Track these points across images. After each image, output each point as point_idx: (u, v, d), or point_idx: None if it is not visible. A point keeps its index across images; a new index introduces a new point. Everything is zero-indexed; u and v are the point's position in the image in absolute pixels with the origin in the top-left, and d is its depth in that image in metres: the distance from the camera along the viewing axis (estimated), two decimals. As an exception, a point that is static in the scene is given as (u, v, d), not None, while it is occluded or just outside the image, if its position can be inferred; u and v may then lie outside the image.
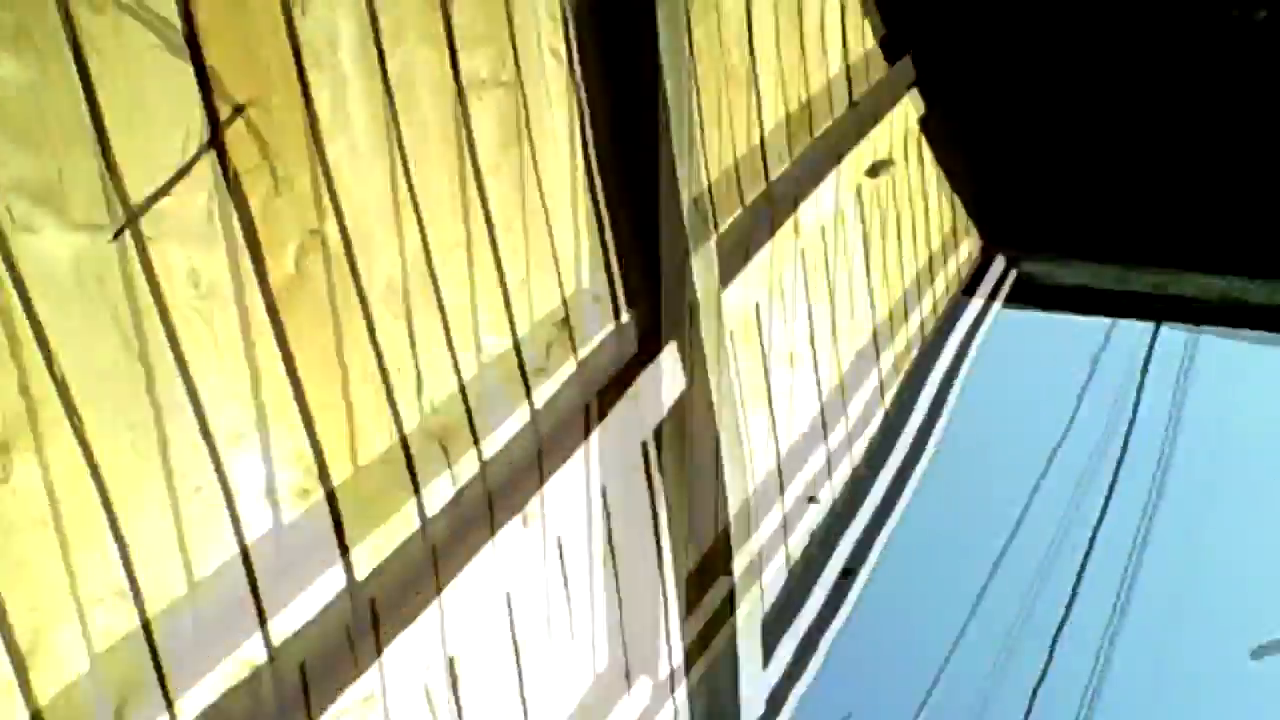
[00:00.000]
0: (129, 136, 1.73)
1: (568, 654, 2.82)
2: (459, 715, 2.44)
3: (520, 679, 2.64)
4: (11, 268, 1.59)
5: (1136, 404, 8.53)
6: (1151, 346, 8.65)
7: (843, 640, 4.00)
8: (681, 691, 3.36)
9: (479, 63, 2.41)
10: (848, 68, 4.16)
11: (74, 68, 1.64)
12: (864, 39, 4.29)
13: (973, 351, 5.08)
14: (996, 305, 5.35)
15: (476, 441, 2.45)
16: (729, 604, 3.32)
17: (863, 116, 4.26)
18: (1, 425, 1.58)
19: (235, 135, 1.89)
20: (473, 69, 2.39)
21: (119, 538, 1.73)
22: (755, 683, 3.53)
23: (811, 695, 3.84)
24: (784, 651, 3.73)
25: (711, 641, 3.37)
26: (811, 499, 4.06)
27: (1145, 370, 8.44)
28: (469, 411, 2.42)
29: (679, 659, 3.31)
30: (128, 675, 1.75)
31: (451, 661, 2.40)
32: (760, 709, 3.59)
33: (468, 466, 2.43)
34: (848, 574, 4.01)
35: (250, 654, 1.96)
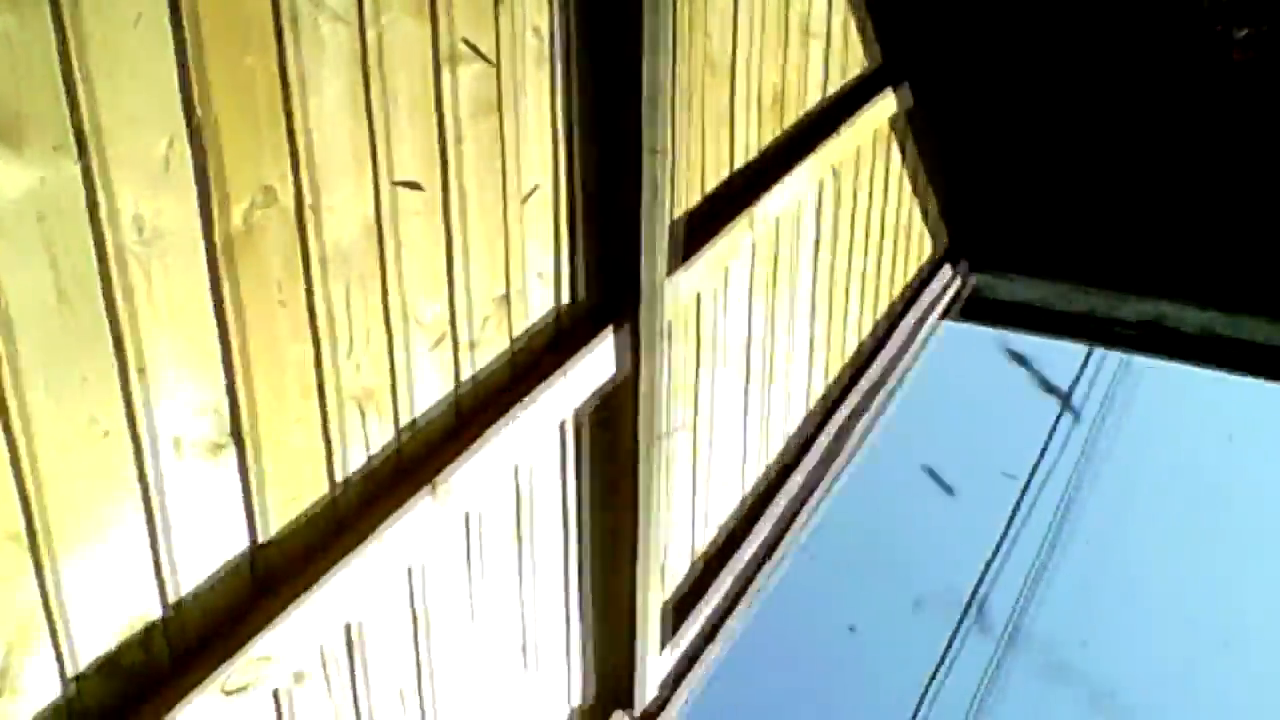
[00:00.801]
0: (99, 85, 1.71)
1: (470, 629, 2.85)
2: (353, 680, 2.47)
3: (419, 650, 2.66)
4: (-46, 199, 1.58)
5: (1055, 424, 8.73)
6: (1082, 369, 8.83)
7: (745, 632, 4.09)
8: (585, 671, 3.41)
9: (459, 35, 2.39)
10: (826, 60, 4.15)
11: (51, 18, 1.62)
12: (847, 30, 4.28)
13: (908, 358, 5.14)
14: (937, 315, 5.41)
15: (396, 409, 2.45)
16: (632, 587, 3.36)
17: (840, 108, 4.26)
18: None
19: (207, 87, 1.88)
20: (453, 41, 2.38)
21: (18, 477, 1.72)
22: (653, 666, 3.59)
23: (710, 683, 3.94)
24: (684, 637, 3.79)
25: (612, 623, 3.42)
26: None
27: (1071, 390, 8.63)
28: (393, 379, 2.42)
29: (579, 638, 3.36)
30: (17, 621, 1.75)
31: (350, 628, 2.42)
32: (654, 692, 3.66)
33: (384, 433, 2.43)
34: None
35: (147, 607, 1.97)
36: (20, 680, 1.77)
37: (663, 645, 3.64)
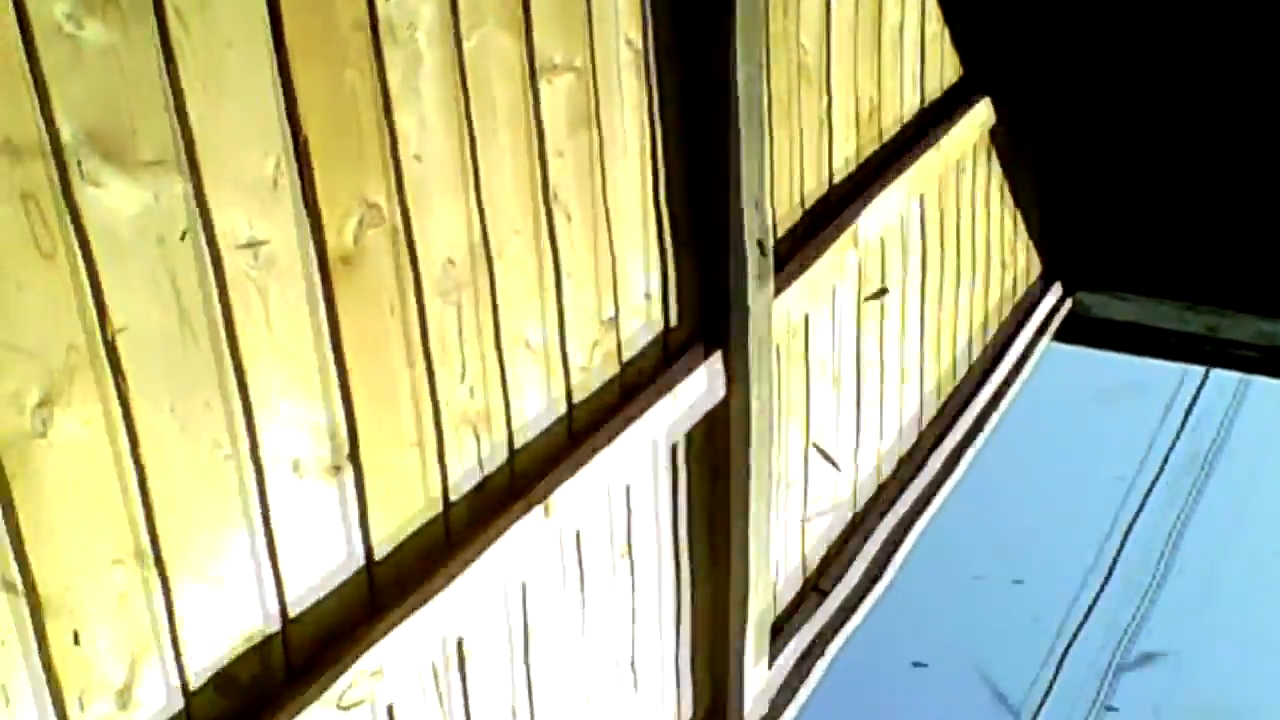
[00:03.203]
0: (204, 103, 1.74)
1: (577, 646, 2.83)
2: (465, 696, 2.46)
3: (528, 666, 2.65)
4: (76, 221, 1.61)
5: (1173, 446, 8.48)
6: (1199, 391, 8.58)
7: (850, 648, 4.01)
8: (687, 688, 3.37)
9: (553, 48, 2.40)
10: (922, 70, 4.11)
11: (157, 35, 1.65)
12: (942, 42, 4.24)
13: (1020, 380, 5.04)
14: (1047, 337, 5.30)
15: (510, 431, 2.45)
16: (740, 605, 3.32)
17: (934, 121, 4.20)
18: (48, 378, 1.60)
19: (308, 105, 1.90)
20: (546, 54, 2.39)
21: (145, 499, 1.75)
22: (758, 684, 3.53)
23: (814, 700, 3.86)
24: (790, 655, 3.73)
25: (717, 641, 3.38)
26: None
27: (1188, 414, 8.38)
28: (507, 402, 2.43)
29: (686, 656, 3.32)
30: (142, 634, 1.78)
31: (462, 643, 2.41)
32: (764, 709, 3.60)
33: (496, 454, 2.43)
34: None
35: (264, 621, 1.98)
36: (143, 694, 1.79)
37: (769, 663, 3.58)
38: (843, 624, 3.90)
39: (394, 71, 2.03)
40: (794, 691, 3.70)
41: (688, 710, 3.41)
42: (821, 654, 3.81)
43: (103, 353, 1.67)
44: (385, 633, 2.15)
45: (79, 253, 1.62)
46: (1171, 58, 5.36)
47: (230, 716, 1.94)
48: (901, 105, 3.98)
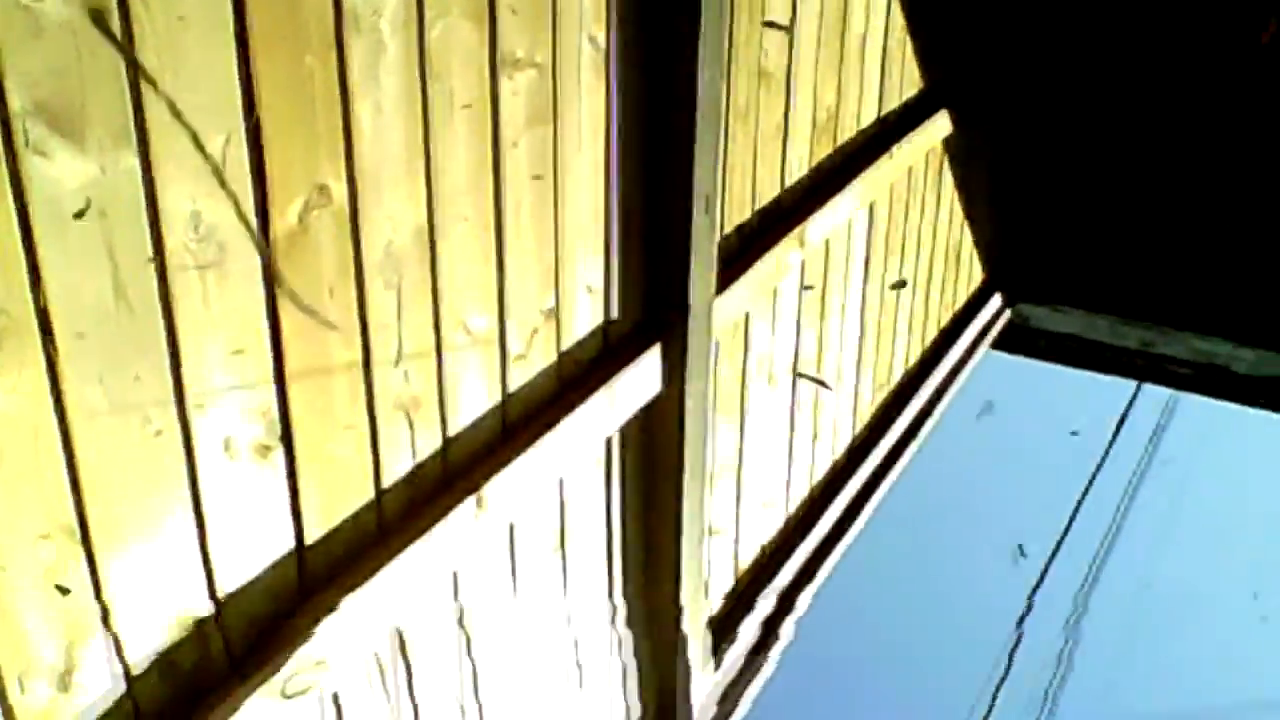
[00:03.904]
0: (160, 79, 1.71)
1: (519, 641, 2.83)
2: (410, 687, 2.45)
3: (472, 660, 2.65)
4: (17, 188, 1.58)
5: (1103, 460, 8.59)
6: (1130, 405, 8.69)
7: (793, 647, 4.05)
8: (633, 685, 3.38)
9: (516, 42, 2.39)
10: (883, 79, 4.14)
11: (117, 10, 1.63)
12: (905, 53, 4.26)
13: (955, 387, 5.10)
14: (985, 345, 5.37)
15: (444, 418, 2.44)
16: (675, 603, 3.33)
17: (892, 131, 4.24)
18: (-23, 344, 1.57)
19: (264, 87, 1.88)
20: (509, 47, 2.37)
21: (74, 474, 1.72)
22: (699, 682, 3.55)
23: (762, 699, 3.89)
24: (730, 654, 3.75)
25: (657, 639, 3.39)
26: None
27: (1119, 428, 8.49)
28: (441, 389, 2.42)
29: (630, 654, 3.33)
30: (75, 614, 1.75)
31: (401, 634, 2.41)
32: (712, 711, 3.62)
33: (430, 442, 2.42)
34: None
35: (196, 605, 1.96)
36: (84, 677, 1.77)
37: (707, 663, 3.60)
38: (779, 623, 3.94)
39: (355, 58, 2.01)
40: (741, 691, 3.73)
41: (636, 709, 3.42)
42: (762, 652, 3.84)
43: (34, 321, 1.64)
44: (322, 621, 2.13)
45: (16, 219, 1.59)
46: (1122, 86, 5.46)
47: (174, 703, 1.92)
48: (860, 113, 4.00)
